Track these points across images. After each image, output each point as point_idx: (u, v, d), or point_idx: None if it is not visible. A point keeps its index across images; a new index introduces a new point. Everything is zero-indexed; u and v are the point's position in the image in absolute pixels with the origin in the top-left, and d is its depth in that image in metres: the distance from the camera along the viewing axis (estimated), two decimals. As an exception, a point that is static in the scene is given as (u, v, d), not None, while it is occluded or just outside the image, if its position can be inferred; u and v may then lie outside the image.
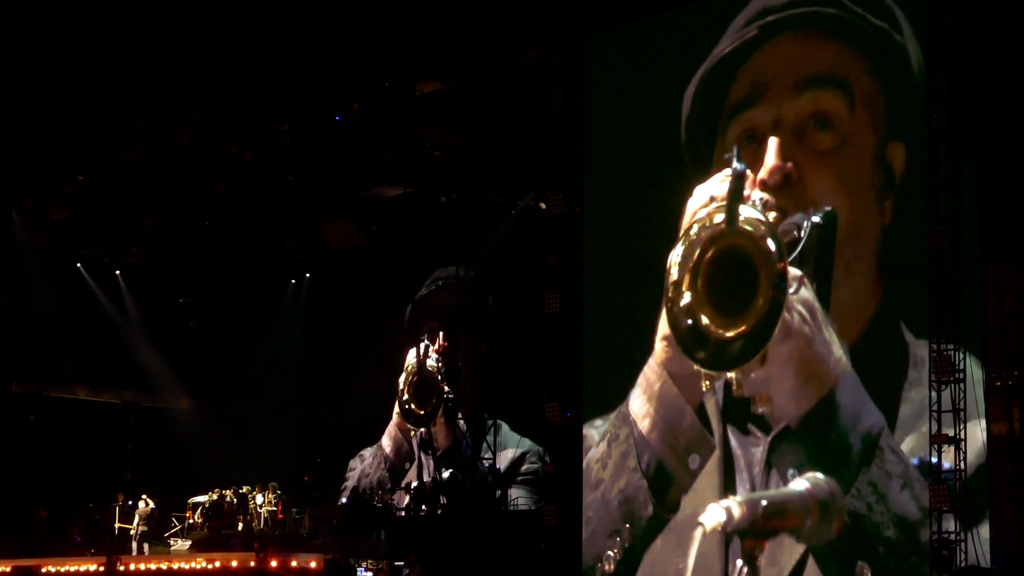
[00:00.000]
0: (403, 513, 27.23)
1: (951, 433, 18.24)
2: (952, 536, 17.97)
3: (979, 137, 18.98)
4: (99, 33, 24.60)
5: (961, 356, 18.32)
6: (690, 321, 19.33)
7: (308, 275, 34.39)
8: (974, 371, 18.40)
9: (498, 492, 26.94)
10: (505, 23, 23.95)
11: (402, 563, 24.40)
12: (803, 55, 20.53)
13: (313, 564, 23.81)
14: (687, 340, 19.72)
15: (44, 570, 27.32)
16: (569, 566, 22.55)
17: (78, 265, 33.51)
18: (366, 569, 24.36)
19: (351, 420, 30.80)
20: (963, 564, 17.93)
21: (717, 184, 19.91)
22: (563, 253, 23.74)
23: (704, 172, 21.02)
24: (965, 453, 18.18)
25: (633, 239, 22.56)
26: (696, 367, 19.78)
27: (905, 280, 19.28)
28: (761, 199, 19.40)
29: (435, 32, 24.47)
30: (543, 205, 25.39)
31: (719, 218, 18.93)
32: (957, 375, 18.26)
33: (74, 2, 24.04)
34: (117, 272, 33.91)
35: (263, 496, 29.23)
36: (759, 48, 20.92)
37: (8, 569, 27.49)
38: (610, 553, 21.91)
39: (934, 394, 18.33)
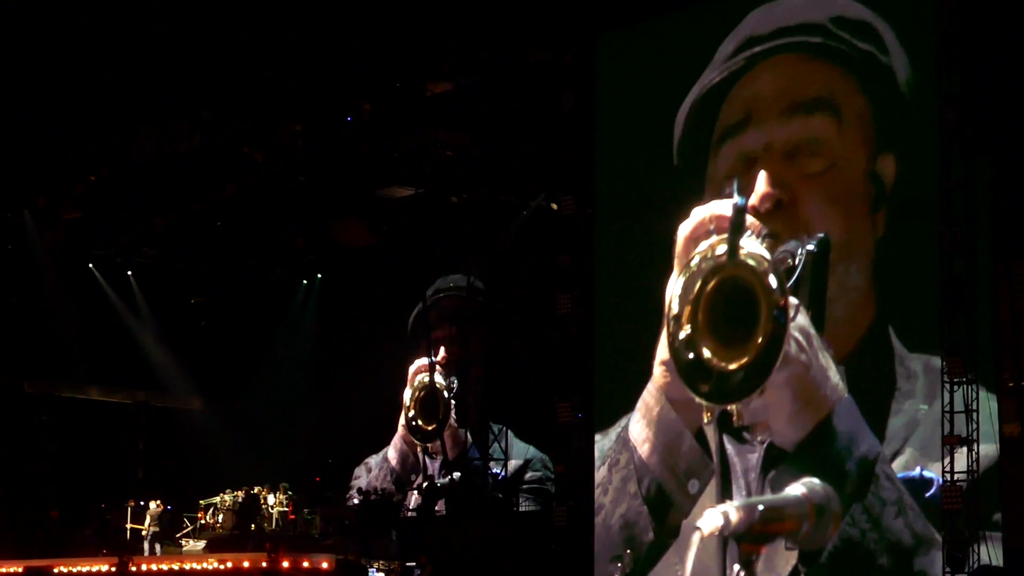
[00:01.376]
0: (413, 514, 27.24)
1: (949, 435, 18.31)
2: (964, 537, 18.00)
3: (991, 138, 18.98)
4: (111, 33, 24.63)
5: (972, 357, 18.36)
6: (691, 354, 19.23)
7: (319, 275, 34.42)
8: (990, 406, 18.43)
9: (500, 497, 26.93)
10: (516, 23, 23.96)
11: (413, 564, 24.40)
12: (791, 80, 20.74)
13: (325, 564, 23.83)
14: (689, 373, 19.55)
15: (56, 570, 27.37)
16: (579, 567, 22.57)
17: (90, 265, 33.56)
18: (377, 570, 24.36)
19: (362, 420, 30.81)
20: (976, 564, 17.94)
21: (712, 211, 19.88)
22: (574, 253, 23.74)
23: (697, 194, 21.17)
24: (977, 453, 18.17)
25: (644, 239, 22.56)
26: (699, 400, 19.81)
27: (898, 292, 19.50)
28: (754, 228, 19.45)
29: (446, 32, 24.47)
30: (554, 205, 25.39)
31: (721, 249, 19.00)
32: (969, 376, 18.28)
33: (86, 2, 24.07)
34: (129, 272, 33.95)
35: (274, 496, 29.24)
36: (748, 72, 21.13)
37: (20, 569, 27.56)
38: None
39: (947, 395, 18.36)
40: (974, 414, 18.18)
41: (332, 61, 25.29)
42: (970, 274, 18.51)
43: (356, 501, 27.96)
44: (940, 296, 18.55)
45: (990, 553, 18.01)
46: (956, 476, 18.14)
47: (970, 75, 18.75)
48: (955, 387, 18.30)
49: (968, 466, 18.12)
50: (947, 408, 18.30)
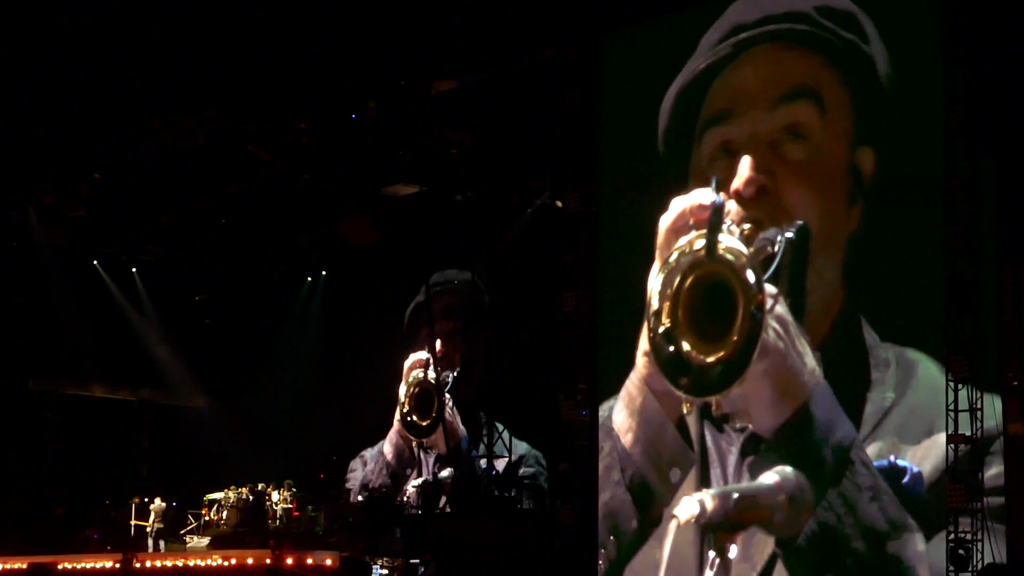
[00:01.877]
0: (417, 511, 27.26)
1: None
2: (968, 536, 18.00)
3: (997, 136, 18.99)
4: (115, 31, 24.63)
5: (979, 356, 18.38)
6: (672, 348, 19.53)
7: (324, 273, 34.43)
8: (994, 405, 18.48)
9: (496, 492, 26.99)
10: (521, 21, 23.96)
11: (417, 561, 24.41)
12: (776, 69, 20.95)
13: (329, 562, 23.83)
14: (670, 367, 19.92)
15: (60, 567, 27.36)
16: (584, 565, 22.60)
17: (95, 263, 33.56)
18: (381, 567, 24.37)
19: (367, 418, 30.80)
20: (980, 563, 17.96)
21: (690, 202, 20.09)
22: (579, 251, 23.76)
23: (681, 183, 21.41)
24: (981, 452, 18.17)
25: (649, 236, 22.56)
26: (679, 393, 20.04)
27: (871, 284, 19.73)
28: (736, 215, 19.69)
29: (451, 30, 24.46)
30: (559, 203, 25.41)
31: (699, 244, 19.23)
32: (974, 374, 18.30)
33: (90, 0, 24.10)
34: (133, 270, 33.96)
35: (279, 493, 29.26)
36: (733, 62, 21.39)
37: (24, 566, 27.54)
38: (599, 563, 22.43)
39: (951, 394, 18.37)
40: (978, 413, 18.19)
41: (337, 59, 25.28)
42: (975, 273, 18.52)
43: (360, 498, 28.01)
44: (944, 295, 18.59)
45: (994, 552, 18.03)
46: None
47: (975, 73, 18.75)
48: (959, 386, 18.31)
49: (972, 464, 18.13)
50: (951, 407, 18.32)
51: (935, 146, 19.16)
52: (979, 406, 18.20)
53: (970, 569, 17.94)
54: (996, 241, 18.88)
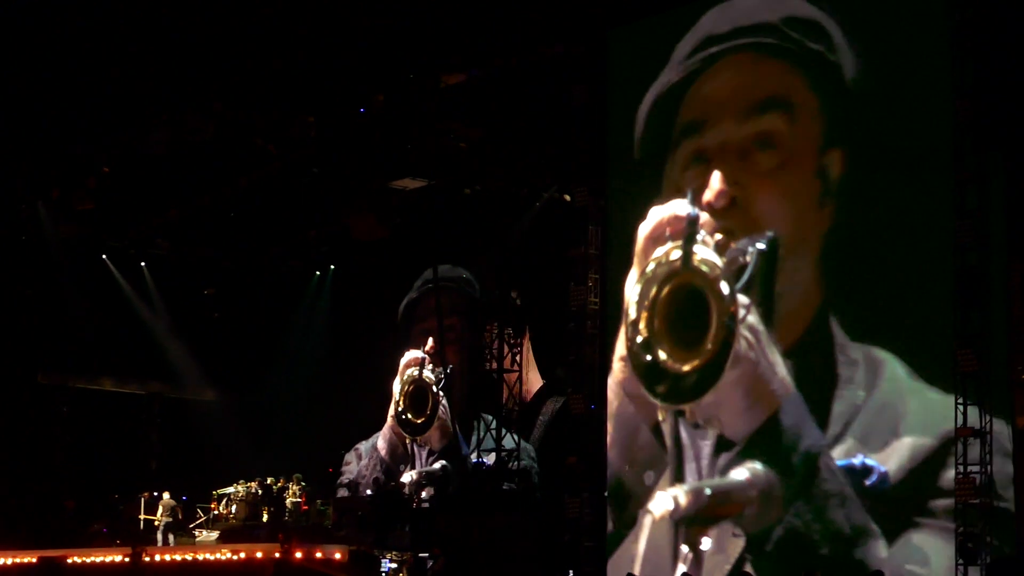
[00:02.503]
0: (426, 504, 27.30)
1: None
2: (977, 529, 18.00)
3: (1005, 130, 18.95)
4: (123, 25, 24.65)
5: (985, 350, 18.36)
6: (648, 356, 19.96)
7: (332, 267, 34.46)
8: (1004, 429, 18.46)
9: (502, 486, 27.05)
10: (529, 16, 23.95)
11: (426, 555, 24.43)
12: (747, 79, 21.32)
13: (338, 555, 23.83)
14: (647, 375, 20.64)
15: (69, 561, 27.36)
16: (591, 557, 22.64)
17: (104, 257, 33.60)
18: (390, 561, 24.40)
19: (375, 412, 30.85)
20: (987, 557, 17.96)
21: (667, 213, 20.24)
22: (587, 245, 23.76)
23: (656, 190, 22.00)
24: (990, 445, 18.16)
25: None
26: (655, 400, 20.29)
27: (842, 283, 19.98)
28: (709, 225, 19.93)
29: (460, 24, 24.46)
30: (567, 197, 25.43)
31: (676, 255, 19.50)
32: (981, 369, 18.28)
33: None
34: (142, 263, 34.00)
35: (288, 488, 29.28)
36: (705, 71, 21.73)
37: (34, 560, 27.57)
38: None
39: (959, 388, 18.37)
40: (986, 406, 18.19)
41: (345, 52, 25.29)
42: (983, 267, 18.51)
43: (369, 492, 28.04)
44: (954, 288, 18.59)
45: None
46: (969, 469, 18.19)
47: (983, 68, 18.73)
48: (967, 379, 18.30)
49: (981, 458, 18.13)
50: (960, 400, 18.31)
51: (908, 145, 19.32)
52: (987, 399, 18.20)
53: (978, 563, 17.93)
54: (1004, 235, 18.82)
